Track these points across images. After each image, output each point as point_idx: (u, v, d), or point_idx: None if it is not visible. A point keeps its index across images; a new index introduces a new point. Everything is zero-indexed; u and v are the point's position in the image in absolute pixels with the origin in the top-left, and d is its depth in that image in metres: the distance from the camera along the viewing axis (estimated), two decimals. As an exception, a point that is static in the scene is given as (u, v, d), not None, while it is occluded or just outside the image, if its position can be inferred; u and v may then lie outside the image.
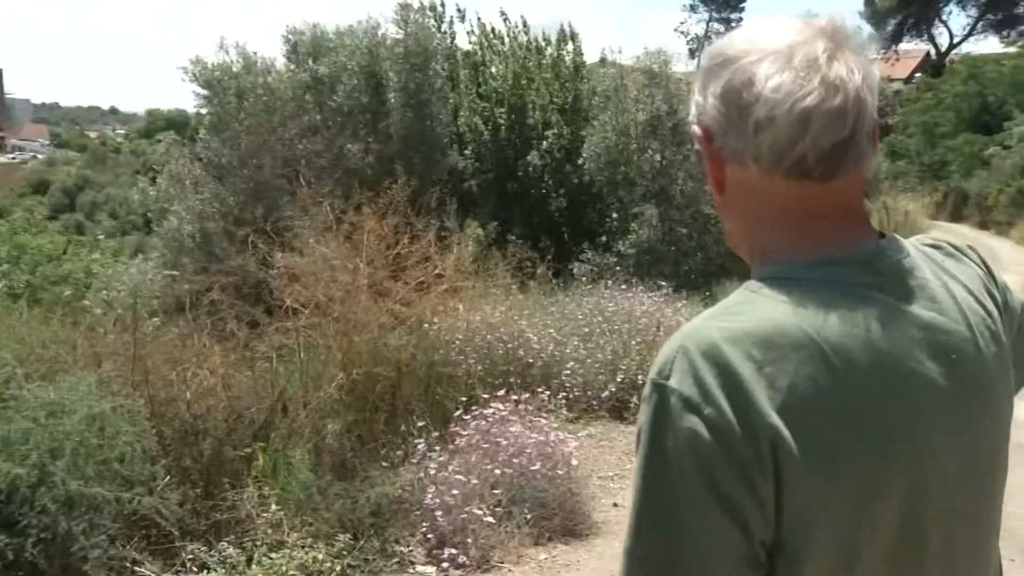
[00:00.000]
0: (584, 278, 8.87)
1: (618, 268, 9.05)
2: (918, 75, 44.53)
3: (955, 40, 48.58)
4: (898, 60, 46.26)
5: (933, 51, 48.68)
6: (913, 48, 48.95)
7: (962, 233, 25.57)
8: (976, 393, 0.96)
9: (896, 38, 48.09)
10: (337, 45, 11.35)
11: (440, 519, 3.97)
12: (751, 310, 0.91)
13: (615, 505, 4.81)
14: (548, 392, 5.35)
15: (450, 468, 4.23)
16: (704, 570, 0.85)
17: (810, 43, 0.94)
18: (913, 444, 0.90)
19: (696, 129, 1.02)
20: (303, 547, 3.87)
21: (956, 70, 36.07)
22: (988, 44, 47.91)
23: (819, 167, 0.93)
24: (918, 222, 22.16)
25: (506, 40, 13.13)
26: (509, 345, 5.91)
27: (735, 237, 1.08)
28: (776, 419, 0.84)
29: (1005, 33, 46.56)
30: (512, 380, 5.55)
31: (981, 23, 47.77)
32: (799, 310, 0.90)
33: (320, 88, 11.02)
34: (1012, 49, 39.04)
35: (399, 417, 4.76)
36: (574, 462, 4.49)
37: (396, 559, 3.94)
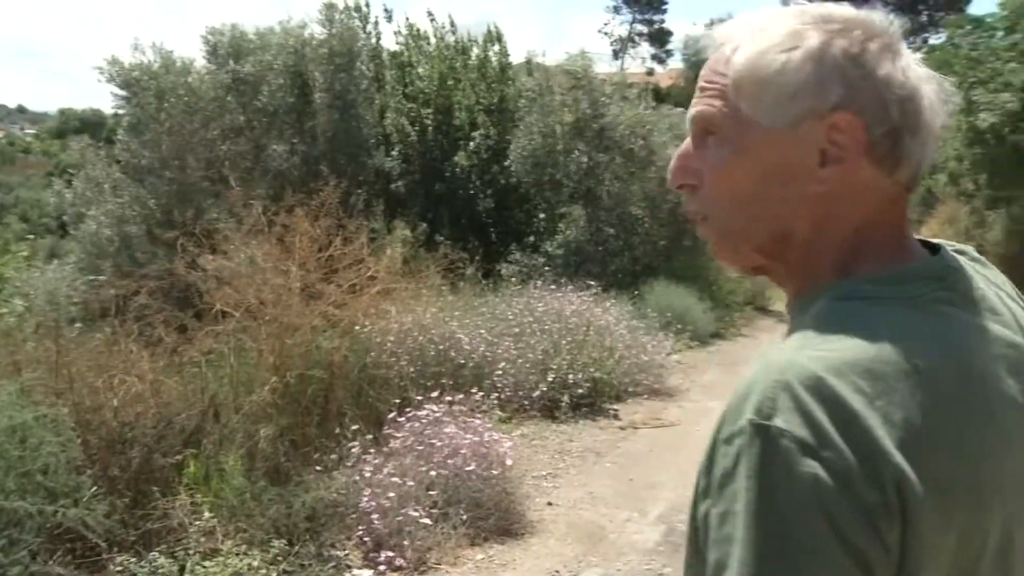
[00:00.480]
0: (513, 279, 8.90)
1: (547, 268, 9.10)
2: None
3: (868, 43, 50.16)
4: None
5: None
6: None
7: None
8: None
9: (812, 41, 49.54)
10: (258, 45, 11.19)
11: (376, 522, 3.96)
12: (843, 336, 0.83)
13: (549, 504, 4.85)
14: (480, 393, 5.36)
15: (385, 471, 4.21)
16: None
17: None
18: (1004, 468, 0.85)
19: (849, 116, 0.89)
20: (237, 554, 3.82)
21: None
22: (899, 47, 49.45)
23: (918, 176, 0.91)
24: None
25: (432, 40, 13.10)
26: (441, 346, 5.90)
27: (790, 250, 0.94)
28: (900, 458, 0.77)
29: (912, 40, 48.17)
30: (444, 381, 5.55)
31: (892, 27, 49.40)
32: (892, 335, 0.83)
33: (243, 89, 10.85)
34: (918, 55, 40.21)
35: (332, 420, 4.73)
36: (509, 462, 4.51)
37: (332, 563, 3.91)
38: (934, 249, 0.93)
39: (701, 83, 0.96)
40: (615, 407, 6.69)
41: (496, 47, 12.84)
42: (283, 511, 4.07)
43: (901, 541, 0.76)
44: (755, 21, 0.95)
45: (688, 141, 0.98)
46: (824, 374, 0.78)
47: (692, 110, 0.96)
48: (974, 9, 45.36)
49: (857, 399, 0.77)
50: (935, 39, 41.33)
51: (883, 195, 0.90)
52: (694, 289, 9.53)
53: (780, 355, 0.81)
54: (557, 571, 4.02)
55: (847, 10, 0.92)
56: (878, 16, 0.92)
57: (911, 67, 0.90)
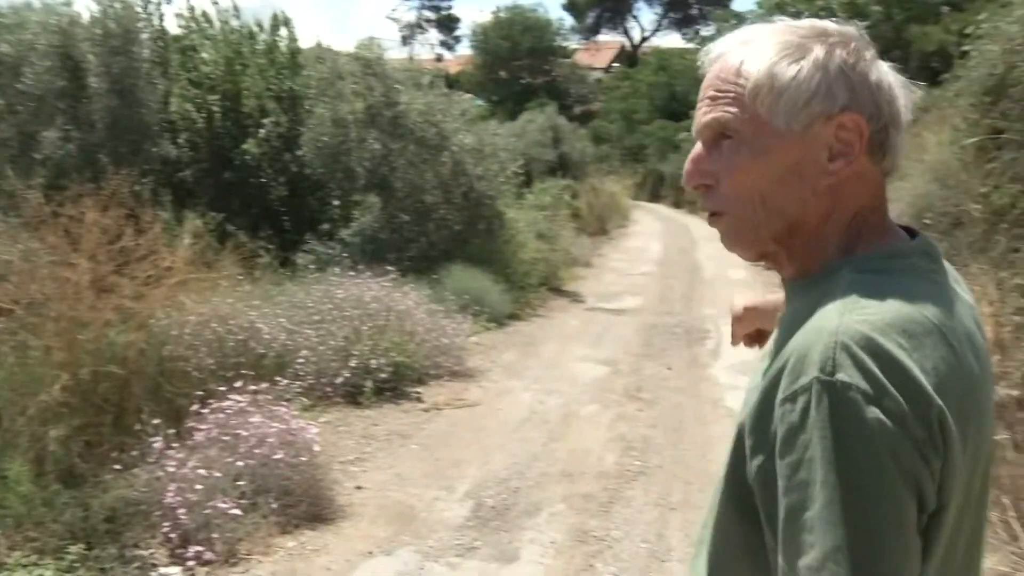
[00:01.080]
0: (310, 267, 8.81)
1: (345, 255, 9.06)
2: (616, 65, 47.55)
3: (645, 34, 52.46)
4: (598, 51, 49.20)
5: (628, 43, 52.20)
6: (611, 40, 52.25)
7: (660, 211, 27.75)
8: (991, 377, 1.11)
9: (595, 30, 51.20)
10: (15, 22, 10.42)
11: (183, 516, 3.89)
12: (877, 302, 0.98)
13: (358, 488, 4.90)
14: (284, 381, 5.32)
15: (189, 464, 4.14)
16: (904, 547, 0.92)
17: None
18: (983, 401, 1.04)
19: (855, 116, 1.05)
20: (26, 566, 3.65)
21: (648, 62, 39.02)
22: (673, 39, 52.13)
23: (897, 164, 1.10)
24: (622, 202, 23.73)
25: (216, 24, 12.65)
26: (240, 337, 5.80)
27: (800, 237, 1.10)
28: (939, 400, 0.93)
29: (685, 31, 50.94)
30: (245, 372, 5.46)
31: (665, 20, 51.88)
32: (913, 300, 0.99)
33: (1, 70, 10.08)
34: (692, 45, 42.70)
35: (131, 416, 4.57)
36: (316, 448, 4.53)
37: (137, 564, 3.81)
38: (908, 231, 1.12)
39: (711, 92, 1.10)
40: (418, 390, 6.80)
41: (284, 32, 12.58)
42: (79, 515, 3.92)
43: (942, 470, 0.94)
44: (751, 35, 1.11)
45: (699, 145, 1.13)
46: (872, 333, 0.94)
47: (707, 117, 1.10)
48: (736, 5, 48.41)
49: (901, 353, 0.94)
50: (706, 31, 43.96)
51: (874, 182, 1.09)
52: (490, 272, 9.74)
53: (829, 321, 0.97)
54: (370, 552, 4.10)
55: (835, 25, 1.10)
56: (856, 29, 1.10)
57: (887, 72, 1.09)
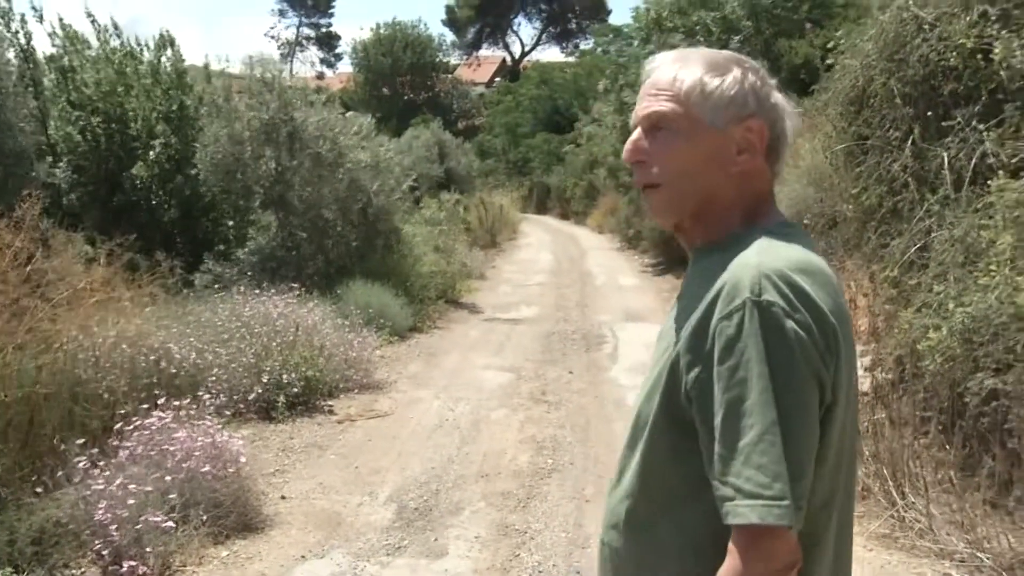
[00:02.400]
0: (210, 287, 8.78)
1: (249, 274, 9.06)
2: (498, 79, 48.12)
3: (526, 48, 53.25)
4: (479, 65, 49.73)
5: (509, 58, 52.85)
6: (491, 54, 52.82)
7: (548, 223, 28.21)
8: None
9: (476, 45, 51.68)
10: None
11: (114, 533, 3.91)
12: (783, 250, 1.32)
13: (283, 498, 4.99)
14: (199, 399, 5.36)
15: (117, 482, 4.15)
16: (815, 432, 1.26)
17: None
18: (853, 353, 1.37)
19: (760, 122, 1.40)
20: (-51, 594, 3.64)
21: (530, 76, 39.59)
22: (552, 53, 53.04)
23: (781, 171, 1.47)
24: (511, 215, 24.07)
25: (95, 44, 12.38)
26: (152, 357, 5.80)
27: (682, 204, 1.44)
28: (832, 319, 1.27)
29: (564, 45, 51.94)
30: (158, 392, 5.48)
31: (545, 35, 52.79)
32: (807, 250, 1.34)
33: None
34: (572, 59, 43.58)
35: (45, 440, 4.55)
36: (243, 459, 4.61)
37: (68, 583, 3.83)
38: None
39: (651, 91, 1.44)
40: (329, 403, 6.90)
41: (169, 51, 12.41)
42: (4, 538, 3.91)
43: (834, 370, 1.28)
44: (684, 55, 1.47)
45: (638, 131, 1.46)
46: (785, 268, 1.27)
47: (648, 110, 1.43)
48: (614, 19, 49.63)
49: (806, 284, 1.27)
50: (585, 45, 44.94)
51: (768, 179, 1.45)
52: (389, 287, 9.87)
53: (753, 260, 1.29)
54: (303, 556, 4.21)
55: (747, 57, 1.47)
56: (757, 63, 1.47)
57: (781, 98, 1.45)
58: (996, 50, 5.14)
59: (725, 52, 1.47)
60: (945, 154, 5.22)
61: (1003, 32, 5.22)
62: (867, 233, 6.25)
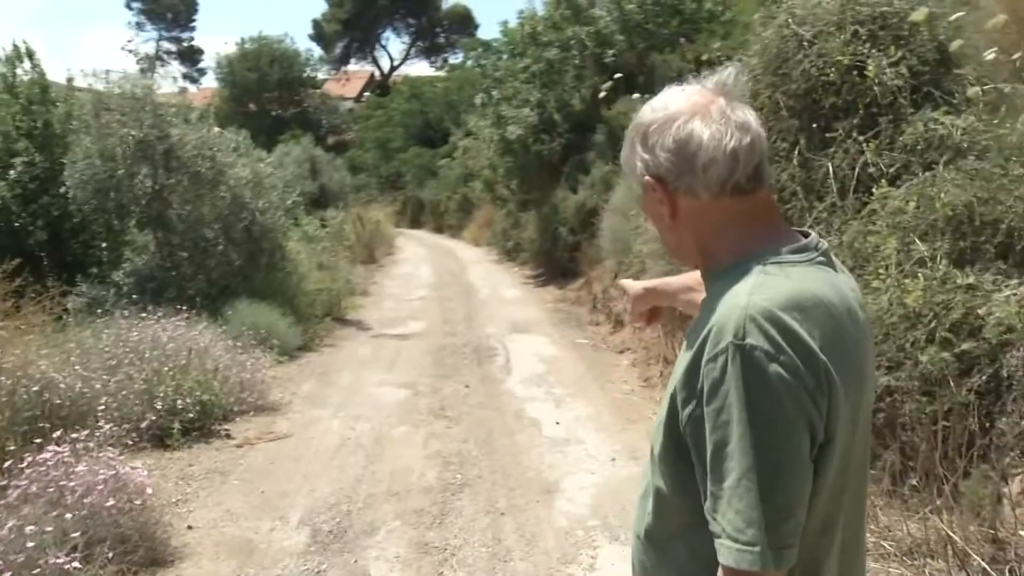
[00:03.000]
0: (84, 311, 8.38)
1: (130, 296, 8.68)
2: (367, 94, 47.75)
3: (395, 63, 53.08)
4: (348, 80, 49.23)
5: (378, 72, 52.55)
6: (360, 69, 52.39)
7: (423, 237, 28.15)
8: (870, 342, 1.46)
9: (344, 60, 51.17)
10: None
11: (15, 578, 3.68)
12: (774, 285, 1.30)
13: (190, 528, 4.80)
14: (97, 431, 5.10)
15: (9, 525, 3.91)
16: (805, 472, 1.25)
17: (715, 100, 1.36)
18: (863, 376, 1.37)
19: (649, 179, 1.41)
20: None
21: (400, 90, 39.50)
22: (422, 67, 53.06)
23: (749, 184, 1.37)
24: (387, 230, 23.91)
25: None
26: (34, 388, 5.49)
27: (684, 250, 1.47)
28: (823, 357, 1.26)
29: (433, 59, 52.04)
30: (43, 425, 5.19)
31: (414, 49, 52.76)
32: (806, 283, 1.31)
33: None
34: (442, 73, 43.68)
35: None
36: (149, 491, 4.41)
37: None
38: (804, 234, 1.44)
39: None
40: (226, 427, 6.68)
41: (27, 64, 11.82)
42: None
43: (828, 410, 1.26)
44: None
45: None
46: (773, 308, 1.26)
47: None
48: (482, 33, 50.02)
49: (793, 322, 1.26)
50: (454, 59, 45.12)
51: (725, 207, 1.40)
52: (276, 305, 9.65)
53: (740, 299, 1.28)
54: (220, 587, 4.06)
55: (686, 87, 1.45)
56: (653, 104, 1.46)
57: (683, 122, 1.40)
58: (869, 67, 5.43)
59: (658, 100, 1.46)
60: (830, 164, 5.46)
61: (873, 51, 5.52)
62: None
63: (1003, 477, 3.77)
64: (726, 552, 1.25)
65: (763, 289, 1.29)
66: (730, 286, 1.32)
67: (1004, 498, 3.74)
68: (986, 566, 3.43)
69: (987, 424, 3.94)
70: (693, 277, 1.82)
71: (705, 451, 1.28)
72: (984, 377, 4.04)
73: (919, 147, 5.10)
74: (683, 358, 1.37)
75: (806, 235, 1.44)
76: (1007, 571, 3.40)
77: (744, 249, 1.38)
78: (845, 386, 1.29)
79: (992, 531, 3.61)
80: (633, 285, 2.11)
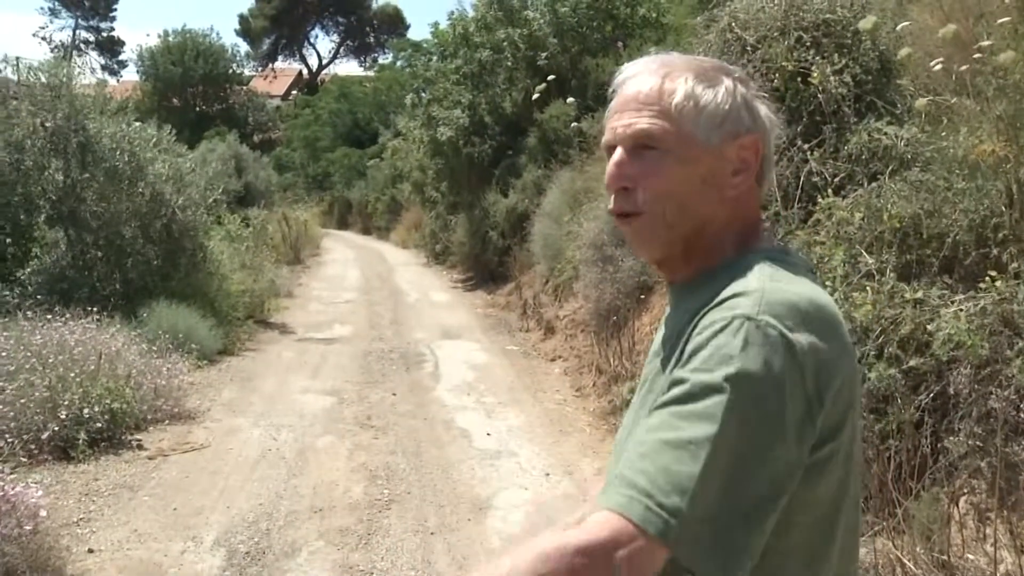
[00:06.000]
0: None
1: (36, 297, 8.19)
2: (294, 92, 46.99)
3: (324, 61, 52.35)
4: (275, 78, 48.37)
5: (306, 70, 51.77)
6: (288, 67, 51.54)
7: (350, 239, 27.71)
8: None
9: (272, 57, 50.27)
10: None
11: None
12: (786, 280, 1.13)
13: (90, 551, 4.44)
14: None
15: None
16: (774, 500, 1.03)
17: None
18: (855, 376, 1.16)
19: (756, 137, 1.22)
20: None
21: (329, 89, 38.94)
22: (351, 67, 52.43)
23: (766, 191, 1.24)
24: (314, 231, 23.43)
25: None
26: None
27: (697, 236, 1.23)
28: (846, 365, 1.11)
29: (363, 59, 51.47)
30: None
31: (343, 48, 52.12)
32: (812, 285, 1.16)
33: None
34: (371, 73, 43.19)
35: None
36: (43, 513, 4.05)
37: None
38: None
39: (632, 105, 1.22)
40: (138, 437, 6.29)
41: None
42: None
43: (845, 411, 1.11)
44: (667, 62, 1.25)
45: (620, 152, 1.23)
46: (793, 299, 1.09)
47: (632, 128, 1.21)
48: (412, 34, 49.67)
49: (817, 320, 1.10)
50: (384, 60, 44.66)
51: (758, 200, 1.28)
52: (195, 307, 9.23)
53: (753, 282, 1.11)
54: (123, 618, 3.73)
55: (732, 66, 1.29)
56: (744, 72, 1.29)
57: (766, 111, 1.26)
58: (814, 74, 5.33)
59: (710, 60, 1.29)
60: (773, 172, 5.34)
61: (817, 58, 5.43)
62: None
63: (952, 499, 3.67)
64: (626, 500, 0.99)
65: (776, 280, 1.13)
66: (735, 276, 1.15)
67: (953, 520, 3.63)
68: (937, 592, 3.31)
69: (935, 443, 3.83)
70: None
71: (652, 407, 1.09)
72: (931, 395, 3.94)
73: (863, 157, 5.02)
74: (661, 380, 1.17)
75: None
76: (959, 598, 3.28)
77: (749, 243, 1.24)
78: (853, 401, 1.14)
79: (942, 555, 3.50)
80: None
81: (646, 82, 1.23)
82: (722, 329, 1.06)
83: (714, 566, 0.98)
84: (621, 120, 1.23)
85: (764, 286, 1.10)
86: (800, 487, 1.06)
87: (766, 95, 1.30)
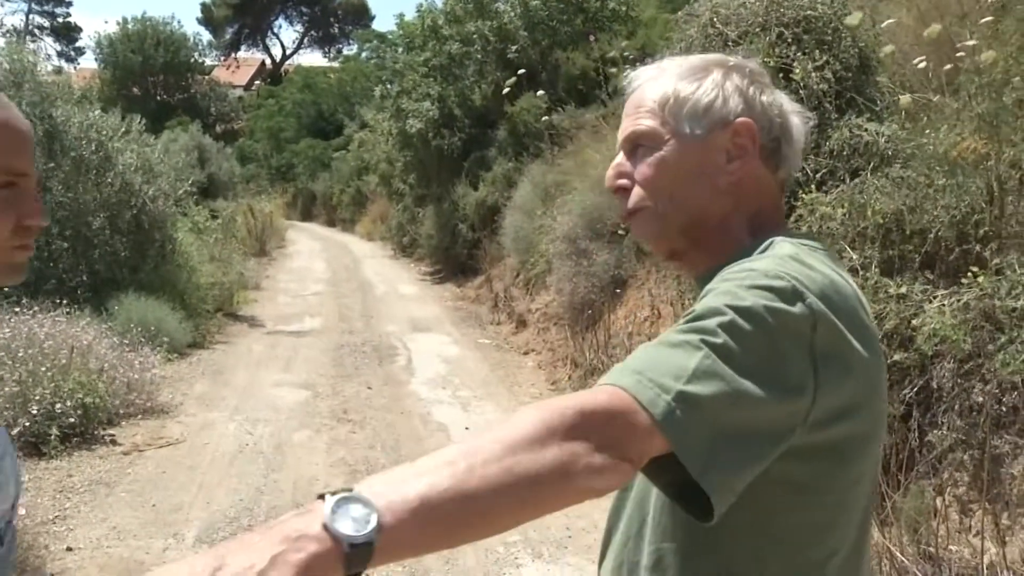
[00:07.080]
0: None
1: (4, 289, 8.02)
2: (257, 82, 46.49)
3: (288, 52, 51.84)
4: (238, 67, 47.79)
5: (269, 61, 51.24)
6: (251, 56, 50.96)
7: (315, 230, 27.51)
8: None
9: (234, 46, 49.68)
10: None
11: None
12: (809, 263, 1.08)
13: (69, 550, 4.37)
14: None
15: None
16: (767, 440, 0.99)
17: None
18: (881, 367, 1.13)
19: (748, 121, 1.20)
20: None
21: (293, 80, 38.54)
22: (315, 57, 52.01)
23: (790, 178, 1.28)
24: (278, 222, 23.22)
25: None
26: None
27: (700, 227, 1.22)
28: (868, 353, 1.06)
29: (327, 49, 51.04)
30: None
31: (307, 38, 51.64)
32: (836, 268, 1.12)
33: None
34: (335, 64, 42.82)
35: None
36: (22, 511, 3.97)
37: None
38: None
39: (630, 111, 1.26)
40: (111, 432, 6.19)
41: None
42: None
43: (871, 398, 1.08)
44: (664, 64, 1.28)
45: (620, 155, 1.27)
46: (812, 273, 1.06)
47: (627, 131, 1.25)
48: (377, 25, 49.35)
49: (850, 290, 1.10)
50: (348, 50, 44.33)
51: (771, 187, 1.25)
52: (165, 300, 9.12)
53: (771, 255, 1.11)
54: (109, 617, 3.67)
55: (733, 57, 1.28)
56: (753, 62, 1.28)
57: (782, 99, 1.25)
58: (796, 70, 5.36)
59: (709, 56, 1.30)
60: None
61: (798, 54, 5.47)
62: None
63: (938, 492, 3.72)
64: (626, 377, 0.95)
65: (800, 262, 1.08)
66: (761, 251, 1.15)
67: (938, 513, 3.69)
68: (925, 584, 3.36)
69: (922, 437, 3.89)
70: None
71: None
72: (915, 389, 3.99)
73: (844, 153, 5.05)
74: None
75: None
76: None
77: (767, 229, 1.22)
78: (879, 381, 1.11)
79: (929, 548, 3.55)
80: None
81: (642, 89, 1.27)
82: (732, 278, 1.05)
83: (702, 465, 0.93)
84: (622, 126, 1.28)
85: (784, 261, 1.08)
86: (824, 463, 1.06)
87: (770, 85, 1.28)
